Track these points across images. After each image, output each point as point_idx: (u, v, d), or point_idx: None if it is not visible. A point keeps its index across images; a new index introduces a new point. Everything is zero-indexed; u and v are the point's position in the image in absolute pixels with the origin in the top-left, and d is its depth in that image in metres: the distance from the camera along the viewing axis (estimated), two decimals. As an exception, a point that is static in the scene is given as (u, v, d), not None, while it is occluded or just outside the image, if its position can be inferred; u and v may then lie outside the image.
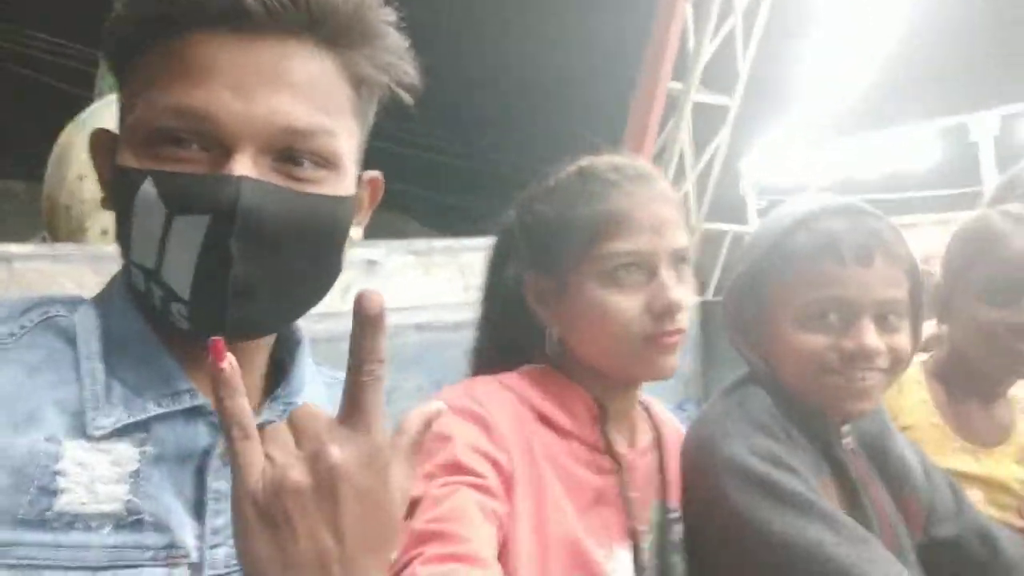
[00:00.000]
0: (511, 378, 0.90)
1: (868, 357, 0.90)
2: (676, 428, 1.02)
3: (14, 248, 2.53)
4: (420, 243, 2.98)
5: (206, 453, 0.63)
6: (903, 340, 0.93)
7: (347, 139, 0.65)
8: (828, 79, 5.45)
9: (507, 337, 0.97)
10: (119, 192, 0.62)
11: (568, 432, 0.87)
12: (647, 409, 1.00)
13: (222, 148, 0.60)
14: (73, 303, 0.68)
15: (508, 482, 0.79)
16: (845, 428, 0.97)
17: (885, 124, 6.09)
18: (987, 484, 1.15)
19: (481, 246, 3.88)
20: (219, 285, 0.60)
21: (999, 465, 1.16)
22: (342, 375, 0.75)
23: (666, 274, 0.86)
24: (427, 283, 2.89)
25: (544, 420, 0.87)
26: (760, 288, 0.97)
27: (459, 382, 0.92)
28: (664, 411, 1.03)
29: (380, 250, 2.75)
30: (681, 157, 3.66)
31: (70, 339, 0.64)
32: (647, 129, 2.91)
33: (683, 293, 0.87)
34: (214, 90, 0.59)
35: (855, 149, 6.30)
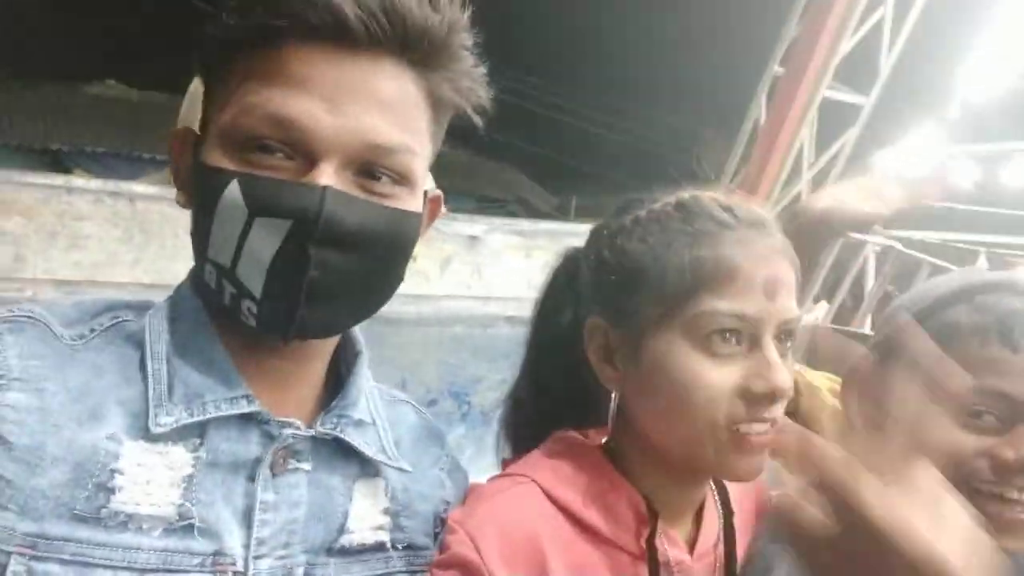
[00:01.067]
0: (538, 464, 0.77)
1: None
2: (751, 507, 0.85)
3: (138, 188, 2.67)
4: (525, 224, 2.96)
5: (257, 462, 0.65)
6: None
7: (422, 158, 0.68)
8: (976, 81, 5.02)
9: (554, 394, 0.83)
10: (203, 190, 0.64)
11: (606, 539, 0.73)
12: (717, 490, 0.82)
13: (307, 158, 0.62)
14: (142, 308, 0.70)
15: None
16: None
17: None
18: None
19: (584, 232, 3.85)
20: (292, 287, 0.62)
21: None
22: (400, 394, 0.78)
23: (772, 348, 0.70)
24: (527, 266, 2.86)
25: (575, 522, 0.73)
26: (888, 367, 0.79)
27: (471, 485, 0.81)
28: (745, 489, 0.85)
29: (482, 226, 2.67)
30: (800, 153, 3.46)
31: (137, 343, 0.67)
32: (783, 128, 2.77)
33: (788, 377, 0.70)
34: (309, 102, 0.62)
35: (996, 157, 5.83)
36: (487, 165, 13.34)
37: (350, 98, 0.63)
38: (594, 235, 0.81)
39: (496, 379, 1.77)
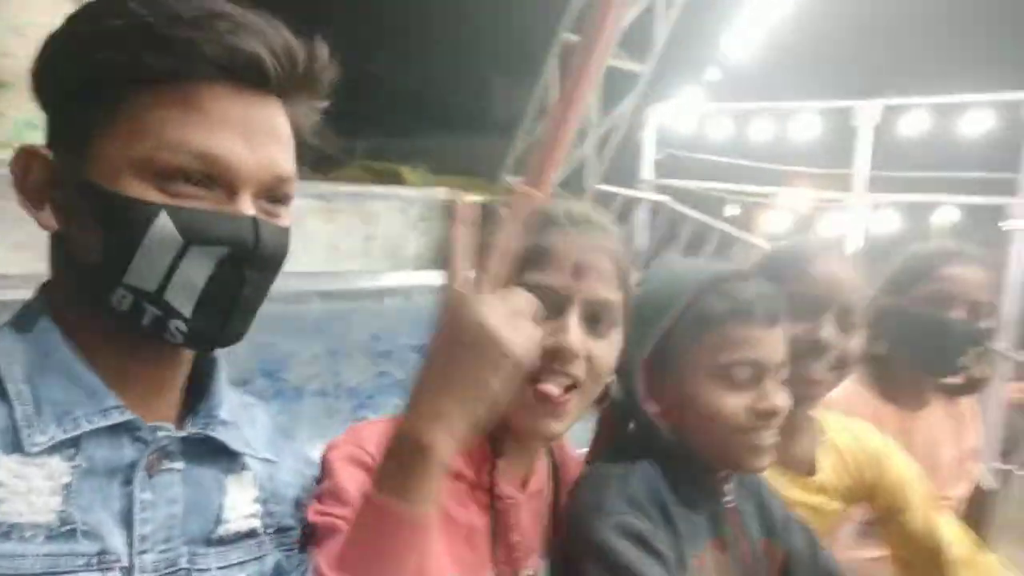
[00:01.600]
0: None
1: (778, 416, 0.98)
2: (574, 457, 1.06)
3: None
4: (325, 186, 2.89)
5: (132, 466, 0.70)
6: (787, 397, 1.01)
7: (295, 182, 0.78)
8: (733, 49, 5.61)
9: None
10: (117, 220, 0.67)
11: (456, 472, 0.85)
12: (551, 450, 1.01)
13: (227, 188, 0.70)
14: None
15: None
16: (727, 487, 1.05)
17: (777, 96, 6.36)
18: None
19: (388, 195, 3.82)
20: (225, 305, 0.71)
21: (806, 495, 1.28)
22: (249, 397, 0.88)
23: (573, 317, 0.89)
24: (329, 231, 2.82)
25: None
26: (668, 351, 1.01)
27: (349, 427, 0.91)
28: (570, 450, 1.06)
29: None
30: (586, 119, 3.67)
31: None
32: (576, 97, 2.89)
33: (577, 342, 0.88)
34: (231, 139, 0.69)
35: (746, 114, 6.58)
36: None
37: (261, 135, 0.71)
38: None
39: (308, 355, 1.75)
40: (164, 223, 0.67)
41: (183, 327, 0.70)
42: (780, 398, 0.98)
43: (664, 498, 0.97)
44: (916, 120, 5.62)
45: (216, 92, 0.68)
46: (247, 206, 0.70)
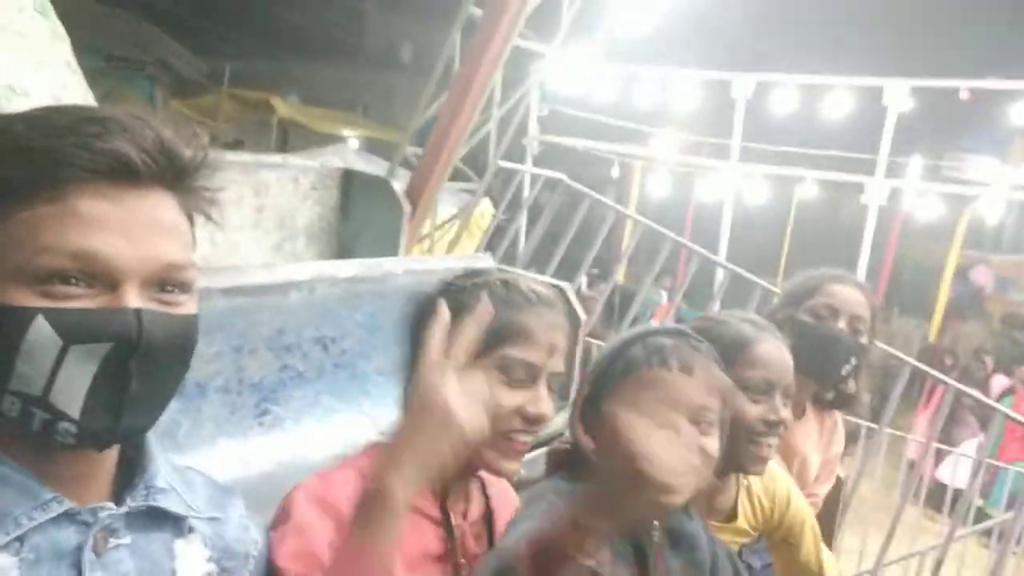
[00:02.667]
0: (359, 456, 1.00)
1: (704, 457, 1.03)
2: (510, 500, 1.13)
3: None
4: (215, 157, 2.66)
5: (78, 549, 0.71)
6: (712, 445, 1.08)
7: (195, 268, 0.78)
8: (620, 23, 5.66)
9: None
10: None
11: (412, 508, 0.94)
12: (483, 483, 1.11)
13: (108, 283, 0.68)
14: None
15: None
16: (655, 523, 1.11)
17: (661, 64, 6.51)
18: None
19: (279, 164, 3.57)
20: (114, 401, 0.69)
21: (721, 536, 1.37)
22: (184, 462, 0.90)
23: (543, 387, 1.02)
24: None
25: None
26: (600, 390, 1.13)
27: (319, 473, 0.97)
28: (500, 483, 1.15)
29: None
30: (491, 96, 3.60)
31: None
32: (479, 74, 2.81)
33: (548, 407, 1.02)
34: (108, 235, 0.68)
35: (630, 78, 6.70)
36: (119, 18, 11.32)
37: (140, 228, 0.70)
38: (440, 291, 1.04)
39: (211, 352, 1.64)
40: (41, 326, 0.66)
41: (72, 428, 0.69)
42: (691, 438, 1.03)
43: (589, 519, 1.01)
44: (785, 98, 5.93)
45: (89, 192, 0.68)
46: (131, 299, 0.69)
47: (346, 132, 11.31)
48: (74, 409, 0.68)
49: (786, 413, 1.31)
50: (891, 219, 6.81)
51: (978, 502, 5.06)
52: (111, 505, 0.75)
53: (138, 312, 0.68)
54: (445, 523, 1.00)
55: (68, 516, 0.71)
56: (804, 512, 1.47)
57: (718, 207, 6.01)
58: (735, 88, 5.77)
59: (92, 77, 2.34)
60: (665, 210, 7.07)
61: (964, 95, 5.31)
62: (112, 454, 0.77)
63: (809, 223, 7.77)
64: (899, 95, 5.16)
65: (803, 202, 7.52)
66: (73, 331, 0.67)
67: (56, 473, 0.72)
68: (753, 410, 1.29)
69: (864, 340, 1.75)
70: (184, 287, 0.74)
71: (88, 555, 0.71)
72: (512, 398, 0.99)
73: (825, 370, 1.72)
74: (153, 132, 0.71)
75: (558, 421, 1.08)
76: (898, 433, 4.95)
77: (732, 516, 1.41)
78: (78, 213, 0.67)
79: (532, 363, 1.00)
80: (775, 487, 1.46)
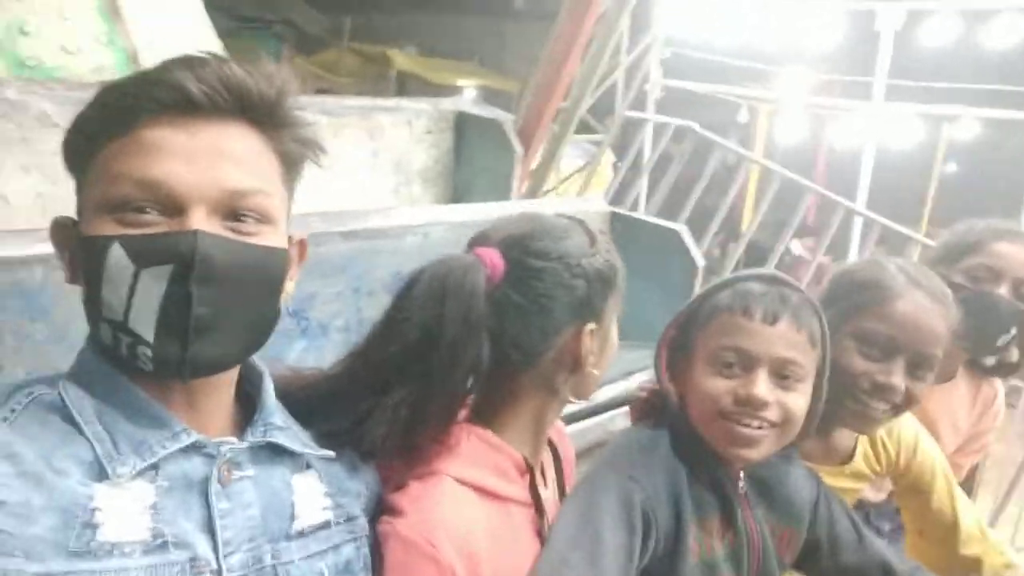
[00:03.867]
0: (440, 457, 0.93)
1: (757, 406, 1.00)
2: (567, 442, 1.14)
3: None
4: (331, 102, 2.72)
5: (206, 480, 0.76)
6: (796, 400, 1.03)
7: (279, 201, 0.79)
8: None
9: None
10: (89, 258, 0.72)
11: (503, 497, 0.94)
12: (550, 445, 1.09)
13: (177, 210, 0.72)
14: (52, 380, 0.77)
15: None
16: (740, 472, 1.10)
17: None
18: None
19: (394, 107, 3.58)
20: (179, 326, 0.71)
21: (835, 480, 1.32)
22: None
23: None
24: (334, 144, 2.69)
25: (480, 491, 0.93)
26: (686, 336, 1.10)
27: (415, 490, 0.92)
28: (561, 429, 1.14)
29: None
30: (618, 44, 3.44)
31: (59, 410, 0.74)
32: (585, 15, 2.68)
33: None
34: (168, 163, 0.71)
35: (761, 13, 6.25)
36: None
37: (203, 155, 0.72)
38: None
39: (331, 292, 1.70)
40: (117, 252, 0.70)
41: (149, 352, 0.72)
42: (763, 389, 1.00)
43: (675, 471, 1.04)
44: (940, 27, 5.35)
45: (153, 124, 0.72)
46: (194, 223, 0.71)
47: (461, 82, 11.32)
48: (148, 333, 0.71)
49: (900, 381, 1.19)
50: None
51: None
52: (233, 440, 0.79)
53: (195, 233, 0.70)
54: (536, 501, 0.98)
55: (196, 448, 0.76)
56: (935, 459, 1.38)
57: (854, 152, 5.56)
58: (880, 19, 5.26)
59: (223, 37, 2.41)
60: (795, 156, 6.64)
61: None
62: (227, 389, 0.82)
63: (963, 169, 7.05)
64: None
65: (957, 144, 6.83)
66: (141, 255, 0.70)
67: (182, 409, 0.77)
68: (861, 365, 1.20)
69: None
70: (262, 217, 0.76)
71: (215, 486, 0.76)
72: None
73: (979, 340, 1.56)
74: (216, 67, 0.74)
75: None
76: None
77: (849, 459, 1.34)
78: (142, 143, 0.71)
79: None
80: (900, 431, 1.37)
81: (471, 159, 3.05)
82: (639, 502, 0.98)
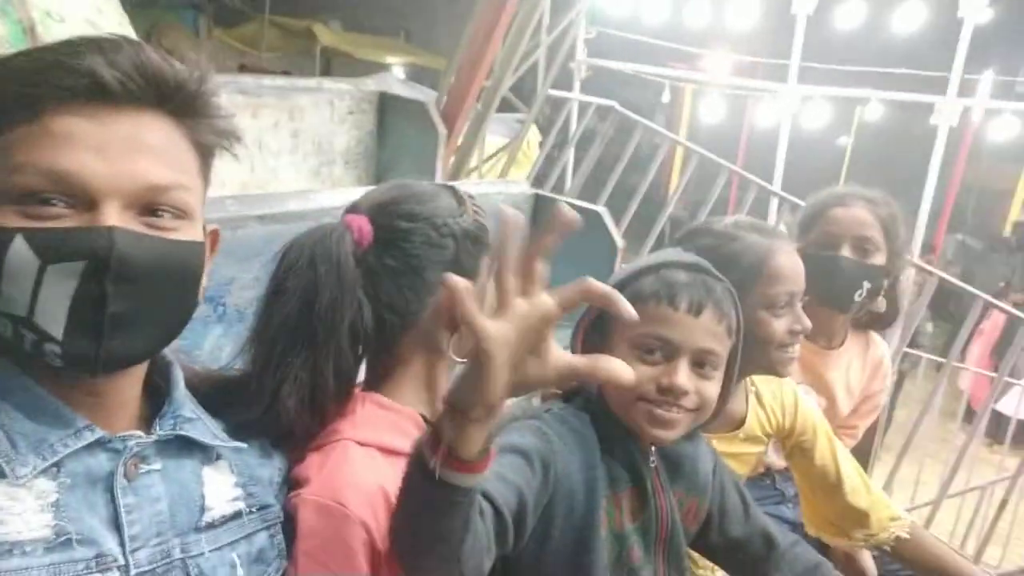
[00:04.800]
0: (344, 423, 0.95)
1: (677, 394, 1.04)
2: None
3: None
4: (249, 81, 2.65)
5: (111, 475, 0.74)
6: (711, 388, 1.07)
7: (196, 194, 0.77)
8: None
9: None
10: None
11: (404, 453, 0.94)
12: None
13: (87, 205, 0.68)
14: None
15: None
16: (652, 450, 1.13)
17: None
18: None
19: (315, 87, 3.55)
20: (93, 323, 0.69)
21: (731, 446, 1.43)
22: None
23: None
24: (256, 127, 2.63)
25: (386, 452, 0.93)
26: (605, 318, 1.09)
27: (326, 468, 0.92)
28: None
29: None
30: (539, 23, 3.46)
31: None
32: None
33: None
34: (81, 153, 0.68)
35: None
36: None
37: (118, 146, 0.69)
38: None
39: (248, 278, 1.68)
40: (18, 246, 0.67)
41: (57, 349, 0.69)
42: (684, 378, 1.03)
43: (589, 445, 1.06)
44: (851, 11, 5.57)
45: (63, 112, 0.68)
46: (107, 219, 0.68)
47: (389, 59, 11.10)
48: (57, 330, 0.68)
49: (806, 320, 1.35)
50: (959, 141, 6.46)
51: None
52: (139, 434, 0.77)
53: (111, 230, 0.67)
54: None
55: (100, 444, 0.74)
56: (814, 418, 1.48)
57: (774, 132, 5.76)
58: (795, 3, 5.42)
59: (134, 8, 2.31)
60: (718, 136, 6.83)
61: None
62: (135, 382, 0.80)
63: (873, 148, 7.42)
64: (976, 5, 4.79)
65: (867, 125, 7.16)
66: (49, 250, 0.67)
67: (82, 401, 0.74)
68: (780, 325, 1.34)
69: (877, 259, 1.69)
70: (179, 212, 0.73)
71: (120, 481, 0.74)
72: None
73: (838, 300, 1.71)
74: (131, 52, 0.70)
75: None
76: (958, 365, 4.82)
77: (741, 424, 1.44)
78: (52, 132, 0.67)
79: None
80: (782, 393, 1.48)
81: (394, 140, 3.03)
82: (541, 450, 1.00)
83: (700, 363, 1.05)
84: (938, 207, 6.03)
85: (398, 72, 10.63)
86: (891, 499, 1.51)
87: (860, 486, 1.45)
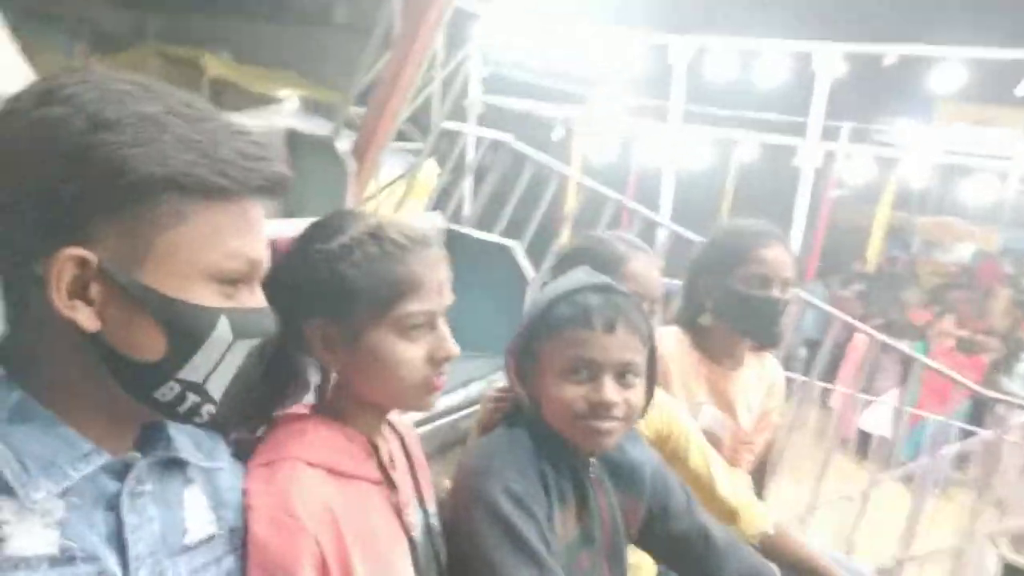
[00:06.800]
0: (287, 443, 0.97)
1: (607, 407, 1.12)
2: (413, 431, 1.20)
3: None
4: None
5: (114, 495, 0.77)
6: (636, 394, 1.16)
7: None
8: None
9: (271, 380, 0.99)
10: (182, 323, 0.74)
11: (353, 475, 0.99)
12: (390, 421, 1.13)
13: (251, 285, 0.81)
14: None
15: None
16: (591, 460, 1.21)
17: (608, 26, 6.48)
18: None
19: None
20: (241, 388, 0.80)
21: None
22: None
23: (445, 327, 1.03)
24: None
25: (333, 473, 0.97)
26: (533, 346, 1.18)
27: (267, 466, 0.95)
28: (400, 419, 1.19)
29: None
30: (433, 57, 3.55)
31: None
32: (421, 34, 2.76)
33: (453, 345, 1.04)
34: (262, 244, 0.81)
35: (571, 41, 6.65)
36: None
37: (262, 231, 0.81)
38: (305, 257, 1.01)
39: None
40: (224, 326, 0.76)
41: (212, 410, 0.79)
42: (610, 392, 1.12)
43: (539, 465, 1.13)
44: (722, 62, 5.98)
45: (248, 205, 0.78)
46: (261, 299, 0.82)
47: (282, 92, 10.92)
48: (218, 394, 0.79)
49: (655, 321, 1.50)
50: (826, 182, 7.04)
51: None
52: (138, 455, 0.81)
53: (270, 311, 0.83)
54: (387, 479, 1.04)
55: (106, 467, 0.78)
56: (685, 423, 1.59)
57: (660, 169, 6.09)
58: (672, 52, 5.79)
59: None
60: (609, 172, 7.13)
61: (890, 60, 5.46)
62: (146, 412, 0.83)
63: (749, 186, 7.96)
64: (829, 60, 5.27)
65: (743, 165, 7.68)
66: (241, 328, 0.78)
67: (92, 429, 0.77)
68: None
69: (789, 295, 1.86)
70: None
71: (125, 500, 0.78)
72: (417, 350, 1.00)
73: (770, 336, 1.87)
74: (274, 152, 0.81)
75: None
76: (826, 385, 5.18)
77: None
78: (250, 223, 0.78)
79: (430, 310, 1.01)
80: (661, 401, 1.55)
81: (302, 176, 3.01)
82: (524, 492, 1.08)
83: (623, 374, 1.13)
84: (809, 242, 6.52)
85: (292, 105, 10.49)
86: (770, 507, 1.62)
87: (729, 488, 1.57)
